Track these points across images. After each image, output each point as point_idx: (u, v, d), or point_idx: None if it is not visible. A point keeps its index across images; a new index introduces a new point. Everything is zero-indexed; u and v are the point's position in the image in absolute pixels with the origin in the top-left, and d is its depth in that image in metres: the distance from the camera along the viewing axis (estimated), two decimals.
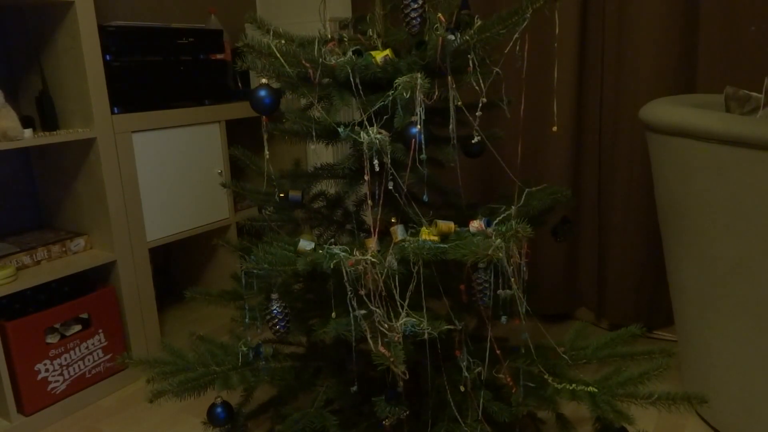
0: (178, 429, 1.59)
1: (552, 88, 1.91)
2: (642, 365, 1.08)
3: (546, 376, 1.12)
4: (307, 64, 1.03)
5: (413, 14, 1.03)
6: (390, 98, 1.00)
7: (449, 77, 1.02)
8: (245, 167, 1.43)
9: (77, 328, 1.71)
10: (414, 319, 0.98)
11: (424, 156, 1.02)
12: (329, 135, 1.14)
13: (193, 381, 1.17)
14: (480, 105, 1.04)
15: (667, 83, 1.73)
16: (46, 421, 1.63)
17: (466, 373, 1.12)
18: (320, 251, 1.03)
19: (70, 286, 1.77)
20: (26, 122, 1.66)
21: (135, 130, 1.78)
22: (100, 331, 1.75)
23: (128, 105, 1.80)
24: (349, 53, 1.05)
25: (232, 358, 1.25)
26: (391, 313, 0.99)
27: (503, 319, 1.11)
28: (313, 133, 1.13)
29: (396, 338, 0.97)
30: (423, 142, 1.00)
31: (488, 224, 1.00)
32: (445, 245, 0.98)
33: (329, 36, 1.14)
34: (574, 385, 1.08)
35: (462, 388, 1.14)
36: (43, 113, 1.72)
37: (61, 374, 1.66)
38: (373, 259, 0.97)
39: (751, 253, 1.21)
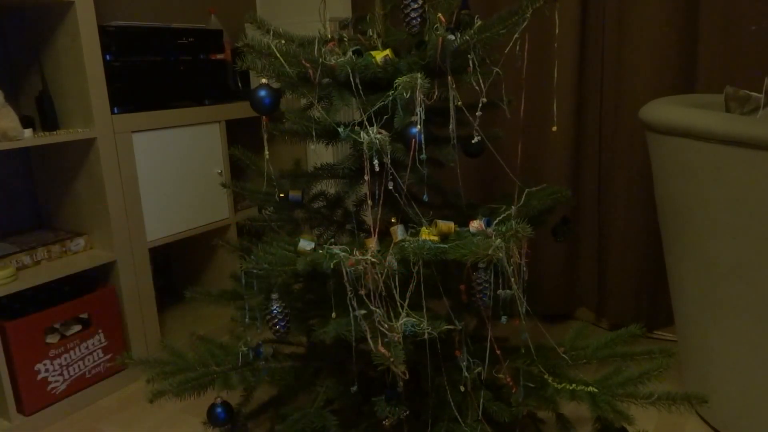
0: (178, 429, 1.59)
1: (552, 88, 1.91)
2: (642, 365, 1.08)
3: (546, 376, 1.12)
4: (307, 64, 1.03)
5: (413, 14, 1.03)
6: (390, 98, 1.00)
7: (449, 77, 1.02)
8: (245, 167, 1.43)
9: (77, 328, 1.71)
10: (414, 319, 0.98)
11: (424, 156, 1.02)
12: (329, 135, 1.14)
13: (193, 381, 1.18)
14: (480, 105, 1.04)
15: (667, 83, 1.73)
16: (46, 421, 1.63)
17: (466, 373, 1.12)
18: (320, 251, 1.03)
19: (70, 286, 1.77)
20: (26, 122, 1.66)
21: (135, 130, 1.78)
22: (100, 331, 1.75)
23: (128, 105, 1.80)
24: (349, 53, 1.05)
25: (232, 358, 1.25)
26: (391, 313, 0.99)
27: (503, 319, 1.11)
28: (313, 133, 1.13)
29: (396, 338, 0.97)
30: (423, 142, 1.00)
31: (488, 224, 1.00)
32: (445, 245, 0.98)
33: (329, 36, 1.14)
34: (574, 385, 1.08)
35: (462, 388, 1.14)
36: (43, 113, 1.72)
37: (61, 374, 1.66)
38: (373, 259, 0.97)
39: (751, 253, 1.21)
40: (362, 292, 0.99)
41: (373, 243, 1.03)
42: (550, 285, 2.04)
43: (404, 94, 0.96)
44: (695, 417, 1.51)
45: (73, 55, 1.65)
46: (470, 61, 1.02)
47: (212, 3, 2.35)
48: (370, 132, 0.98)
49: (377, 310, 0.98)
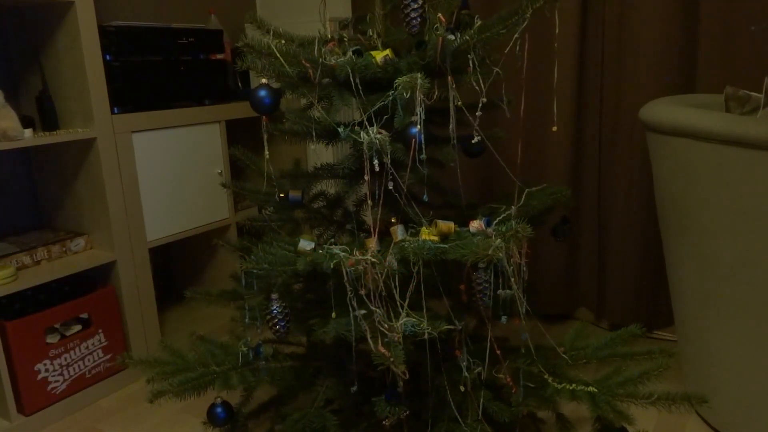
0: (178, 429, 1.59)
1: (552, 88, 1.91)
2: (642, 365, 1.08)
3: (546, 376, 1.12)
4: (307, 64, 1.03)
5: (413, 14, 1.03)
6: (390, 98, 1.00)
7: (449, 77, 1.02)
8: (245, 167, 1.43)
9: (77, 328, 1.71)
10: (414, 319, 0.98)
11: (424, 156, 1.02)
12: (329, 135, 1.14)
13: (193, 381, 1.17)
14: (480, 105, 1.04)
15: (667, 83, 1.73)
16: (46, 421, 1.63)
17: (466, 373, 1.12)
18: (320, 251, 1.03)
19: (70, 286, 1.77)
20: (26, 122, 1.66)
21: (135, 130, 1.78)
22: (100, 331, 1.75)
23: (128, 105, 1.80)
24: (349, 53, 1.05)
25: (232, 358, 1.25)
26: (391, 313, 0.99)
27: (503, 319, 1.11)
28: (313, 133, 1.13)
29: (396, 338, 0.97)
30: (423, 142, 1.00)
31: (488, 224, 1.00)
32: (445, 245, 0.98)
33: (329, 36, 1.14)
34: (574, 385, 1.08)
35: (462, 388, 1.14)
36: (43, 113, 1.72)
37: (61, 374, 1.66)
38: (373, 259, 0.97)
39: (751, 253, 1.21)
40: (362, 292, 0.99)
41: (373, 243, 1.03)
42: (550, 285, 2.04)
43: (404, 94, 0.96)
44: (695, 417, 1.51)
45: (73, 55, 1.65)
46: (470, 61, 1.02)
47: (212, 3, 2.35)
48: (370, 132, 0.98)
49: (377, 310, 0.98)
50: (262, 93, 1.01)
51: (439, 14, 1.02)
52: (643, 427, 1.49)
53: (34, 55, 1.75)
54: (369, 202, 1.11)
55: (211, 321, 2.14)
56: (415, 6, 1.02)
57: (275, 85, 1.06)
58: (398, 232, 1.03)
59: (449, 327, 1.01)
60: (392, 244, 1.01)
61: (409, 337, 0.98)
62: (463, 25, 1.10)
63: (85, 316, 1.72)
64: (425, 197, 1.11)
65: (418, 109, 0.97)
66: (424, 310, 1.00)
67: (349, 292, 1.00)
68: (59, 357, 1.65)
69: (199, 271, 2.30)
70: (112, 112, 1.74)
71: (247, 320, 1.23)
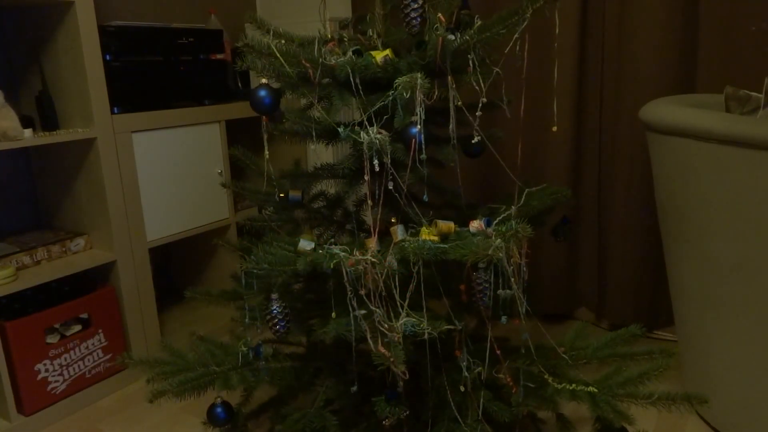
0: (178, 429, 1.59)
1: (552, 88, 1.91)
2: (642, 365, 1.08)
3: (546, 376, 1.12)
4: (307, 64, 1.03)
5: (413, 14, 1.03)
6: (390, 98, 1.00)
7: (449, 77, 1.02)
8: (245, 167, 1.43)
9: (77, 328, 1.71)
10: (414, 319, 0.98)
11: (424, 156, 1.02)
12: (329, 135, 1.14)
13: (193, 381, 1.18)
14: (480, 105, 1.04)
15: (667, 83, 1.73)
16: (46, 421, 1.63)
17: (466, 373, 1.12)
18: (320, 251, 1.03)
19: (70, 286, 1.77)
20: (26, 122, 1.66)
21: (135, 130, 1.78)
22: (100, 331, 1.75)
23: (128, 105, 1.80)
24: (349, 53, 1.05)
25: (232, 358, 1.25)
26: (391, 313, 0.99)
27: (503, 319, 1.11)
28: (313, 133, 1.13)
29: (396, 338, 0.97)
30: (423, 142, 1.00)
31: (488, 224, 1.00)
32: (445, 245, 0.98)
33: (329, 36, 1.14)
34: (574, 385, 1.08)
35: (462, 388, 1.14)
36: (43, 113, 1.72)
37: (61, 374, 1.66)
38: (373, 259, 0.97)
39: (751, 253, 1.21)
40: (362, 292, 0.99)
41: (373, 243, 1.03)
42: (550, 285, 2.04)
43: (404, 94, 0.96)
44: (695, 417, 1.51)
45: (73, 55, 1.65)
46: (470, 61, 1.02)
47: (212, 3, 2.35)
48: (370, 132, 0.98)
49: (377, 310, 0.98)
50: (262, 93, 1.01)
51: (439, 14, 1.02)
52: (643, 427, 1.49)
53: (34, 55, 1.75)
54: (369, 202, 1.11)
55: (211, 321, 2.14)
56: (415, 6, 1.02)
57: (275, 85, 1.06)
58: (398, 232, 1.03)
59: (449, 327, 1.01)
60: (392, 244, 1.01)
61: (409, 337, 0.98)
62: (463, 25, 1.10)
63: (85, 316, 1.72)
64: (425, 197, 1.11)
65: (418, 109, 0.97)
66: (424, 310, 1.00)
67: (349, 292, 1.00)
68: (59, 357, 1.65)
69: (199, 271, 2.30)
70: (112, 112, 1.74)
71: (247, 320, 1.23)
